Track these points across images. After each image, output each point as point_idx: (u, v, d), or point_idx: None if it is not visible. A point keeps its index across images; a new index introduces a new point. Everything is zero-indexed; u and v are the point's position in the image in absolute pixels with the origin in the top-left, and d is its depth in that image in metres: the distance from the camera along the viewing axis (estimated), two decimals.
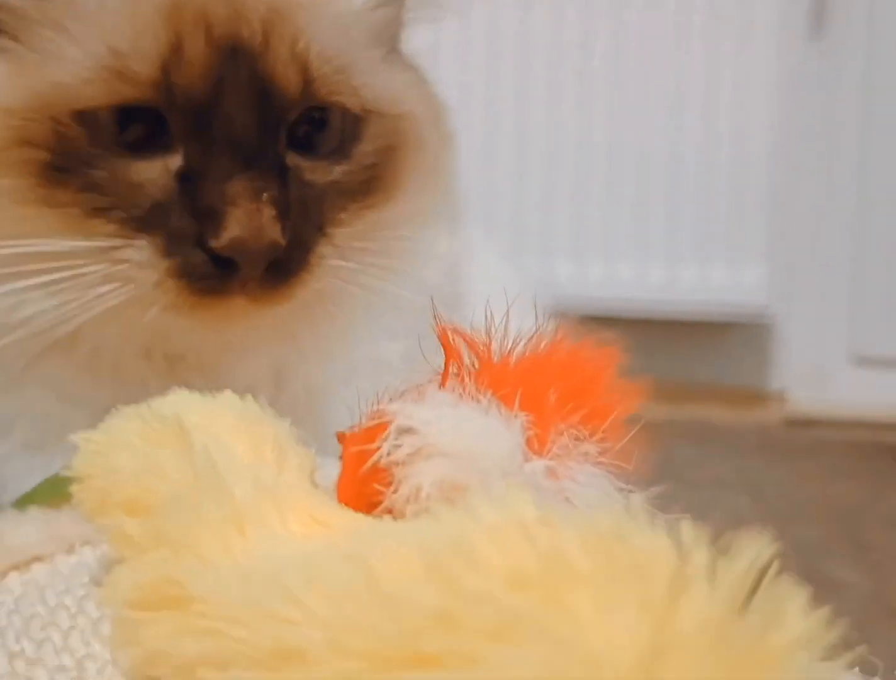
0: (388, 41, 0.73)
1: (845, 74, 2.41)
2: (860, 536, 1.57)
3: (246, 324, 0.66)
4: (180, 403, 0.45)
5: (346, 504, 0.43)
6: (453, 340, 0.48)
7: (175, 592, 0.35)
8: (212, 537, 0.36)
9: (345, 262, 0.67)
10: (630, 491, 0.46)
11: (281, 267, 0.63)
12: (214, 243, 0.61)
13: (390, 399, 0.43)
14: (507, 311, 0.49)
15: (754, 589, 0.26)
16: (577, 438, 0.46)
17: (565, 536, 0.29)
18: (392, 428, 0.41)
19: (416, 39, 0.76)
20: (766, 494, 1.75)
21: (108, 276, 0.62)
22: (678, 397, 2.31)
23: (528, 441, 0.43)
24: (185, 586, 0.35)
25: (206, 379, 0.67)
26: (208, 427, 0.43)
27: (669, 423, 2.16)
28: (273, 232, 0.61)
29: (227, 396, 0.48)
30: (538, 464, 0.42)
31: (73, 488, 0.45)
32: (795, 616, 0.26)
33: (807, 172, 2.41)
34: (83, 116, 0.62)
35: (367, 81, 0.69)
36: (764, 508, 1.68)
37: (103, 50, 0.62)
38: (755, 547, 0.27)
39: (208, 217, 0.62)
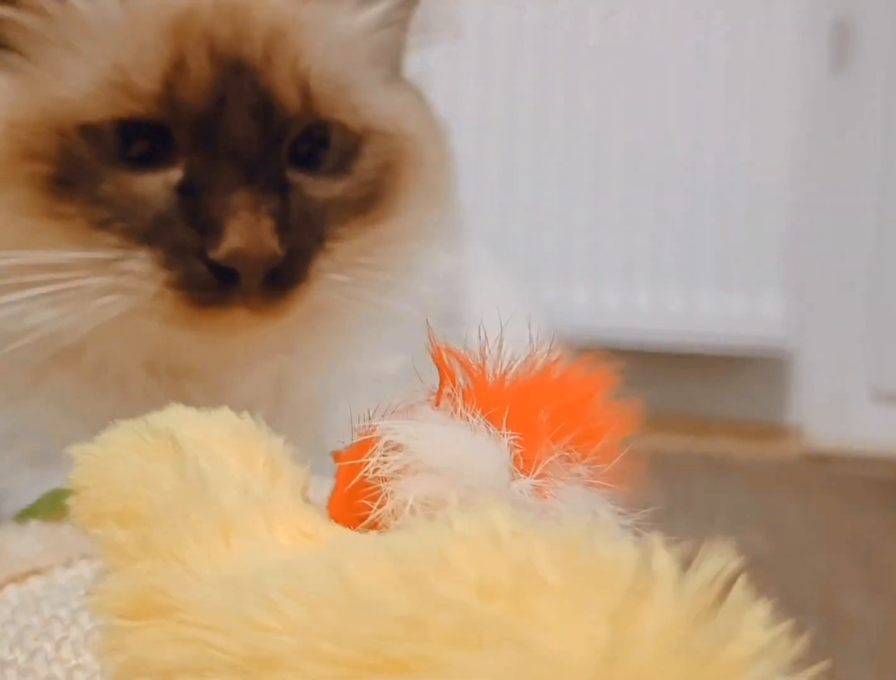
0: (390, 62, 0.74)
1: (866, 106, 2.41)
2: (876, 570, 1.56)
3: (246, 336, 0.67)
4: (176, 417, 0.46)
5: (337, 519, 0.43)
6: (447, 359, 0.49)
7: (161, 601, 0.36)
8: (198, 546, 0.37)
9: (345, 276, 0.69)
10: (620, 512, 0.46)
11: (280, 279, 0.65)
12: (214, 254, 0.62)
13: (381, 416, 0.44)
14: (501, 331, 0.50)
15: (717, 600, 0.27)
16: (568, 460, 0.46)
17: (535, 547, 0.29)
18: (380, 444, 0.41)
19: (421, 61, 0.77)
20: (783, 529, 1.74)
21: (110, 288, 0.63)
22: (695, 430, 2.30)
23: (517, 460, 0.44)
24: (170, 595, 0.35)
25: (208, 392, 0.68)
26: (202, 441, 0.44)
27: (686, 456, 2.16)
28: (272, 243, 0.63)
29: (224, 411, 0.48)
30: (524, 482, 0.42)
31: (70, 500, 0.46)
32: (756, 628, 0.26)
33: (826, 205, 2.41)
34: (88, 131, 0.64)
35: (367, 100, 0.70)
36: (780, 543, 1.66)
37: (108, 65, 0.64)
38: (720, 558, 0.28)
39: (209, 229, 0.63)
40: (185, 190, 0.64)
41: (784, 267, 2.35)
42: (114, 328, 0.64)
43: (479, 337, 0.49)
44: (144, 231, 0.64)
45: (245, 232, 0.62)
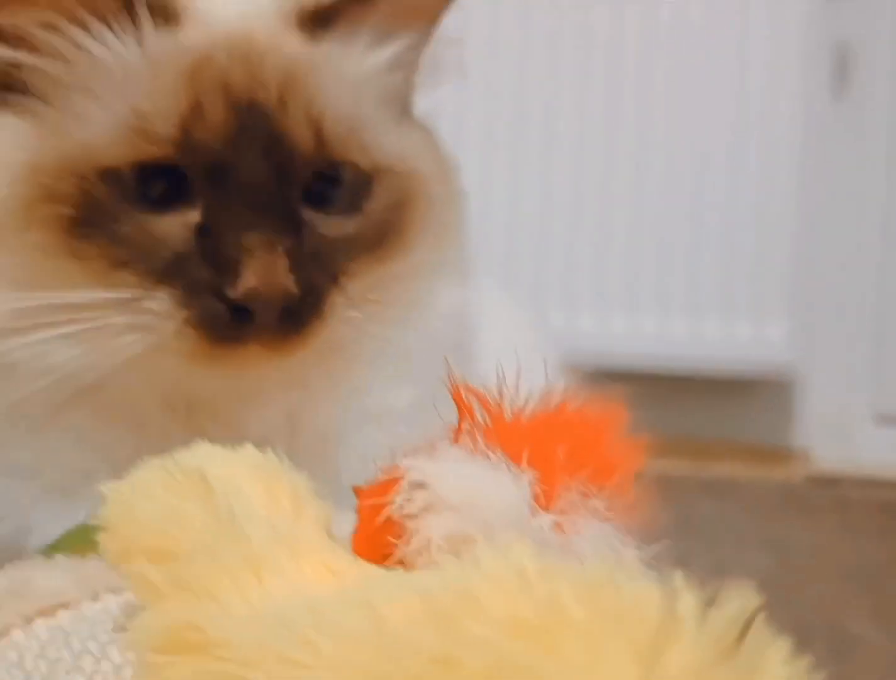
0: (400, 102, 0.76)
1: (869, 130, 2.43)
2: (881, 594, 1.56)
3: (261, 372, 0.69)
4: (203, 455, 0.47)
5: (361, 555, 0.45)
6: (466, 397, 0.50)
7: (195, 637, 0.37)
8: (230, 584, 0.38)
9: (357, 312, 0.70)
10: (637, 546, 0.47)
11: (295, 316, 0.66)
12: (231, 293, 0.64)
13: (404, 454, 0.45)
14: (519, 369, 0.51)
15: (740, 636, 0.28)
16: (584, 494, 0.47)
17: (561, 586, 0.30)
18: (404, 482, 0.43)
19: (429, 100, 0.79)
20: (788, 552, 1.74)
21: (130, 327, 0.65)
22: (700, 454, 2.31)
23: (536, 497, 0.45)
24: (204, 631, 0.37)
25: (224, 428, 0.70)
26: (229, 479, 0.45)
27: (691, 479, 2.16)
28: (287, 282, 0.64)
29: (247, 448, 0.49)
30: (545, 519, 0.44)
31: (100, 537, 0.47)
32: (778, 664, 0.27)
33: (830, 229, 2.42)
34: (107, 173, 0.66)
35: (378, 140, 0.72)
36: (785, 566, 1.67)
37: (126, 110, 0.66)
38: (741, 596, 0.29)
39: (225, 268, 0.64)
40: (202, 230, 0.66)
41: (788, 291, 2.36)
42: (132, 365, 0.66)
43: (497, 374, 0.51)
44: (163, 271, 0.65)
45: (261, 271, 0.64)
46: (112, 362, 0.65)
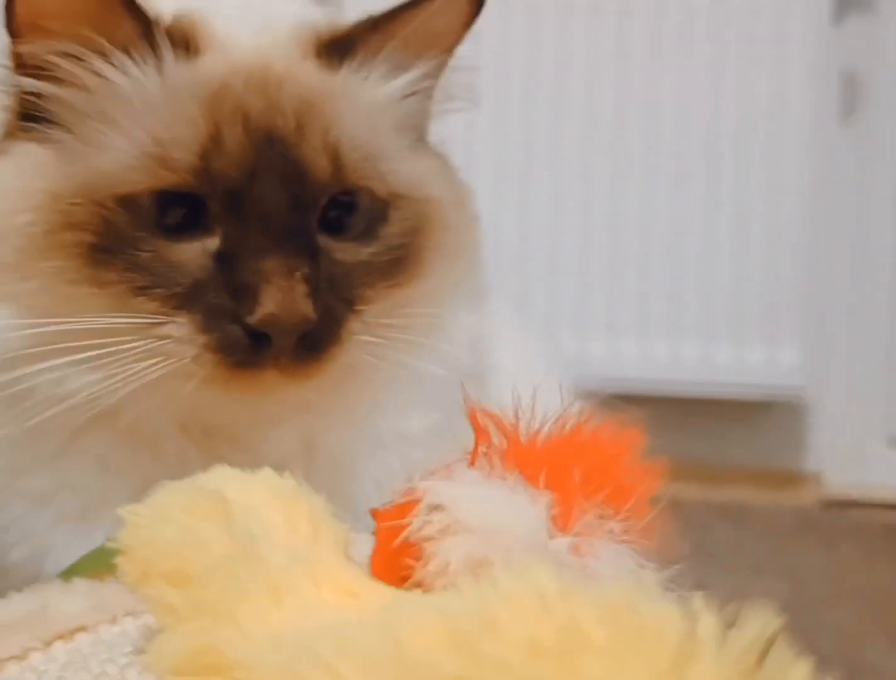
0: (415, 130, 0.76)
1: (877, 156, 2.43)
2: None
3: (277, 397, 0.69)
4: (221, 478, 0.48)
5: (379, 577, 0.45)
6: (482, 420, 0.51)
7: (215, 659, 0.37)
8: (250, 606, 0.38)
9: (373, 337, 0.70)
10: (653, 568, 0.47)
11: (312, 341, 0.67)
12: (249, 319, 0.64)
13: (421, 477, 0.45)
14: (534, 393, 0.52)
15: (761, 657, 0.28)
16: (601, 517, 0.47)
17: (581, 608, 0.30)
18: (422, 505, 0.43)
19: (442, 127, 0.80)
20: (803, 577, 1.73)
21: (150, 352, 0.65)
22: (713, 478, 2.30)
23: (553, 519, 0.45)
24: (223, 653, 0.37)
25: (241, 451, 0.70)
26: (247, 502, 0.46)
27: (704, 504, 2.15)
28: (305, 308, 0.65)
29: (265, 471, 0.50)
30: (562, 541, 0.44)
31: (118, 559, 0.47)
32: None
33: (840, 253, 2.42)
34: (126, 201, 0.66)
35: (393, 167, 0.73)
36: (800, 591, 1.66)
37: (146, 139, 0.66)
38: (761, 618, 0.29)
39: (244, 294, 0.65)
40: (221, 257, 0.67)
41: (800, 315, 2.36)
42: (150, 390, 0.66)
43: (512, 397, 0.51)
44: (182, 297, 0.66)
45: (279, 297, 0.64)
46: (131, 387, 0.65)
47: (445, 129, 0.81)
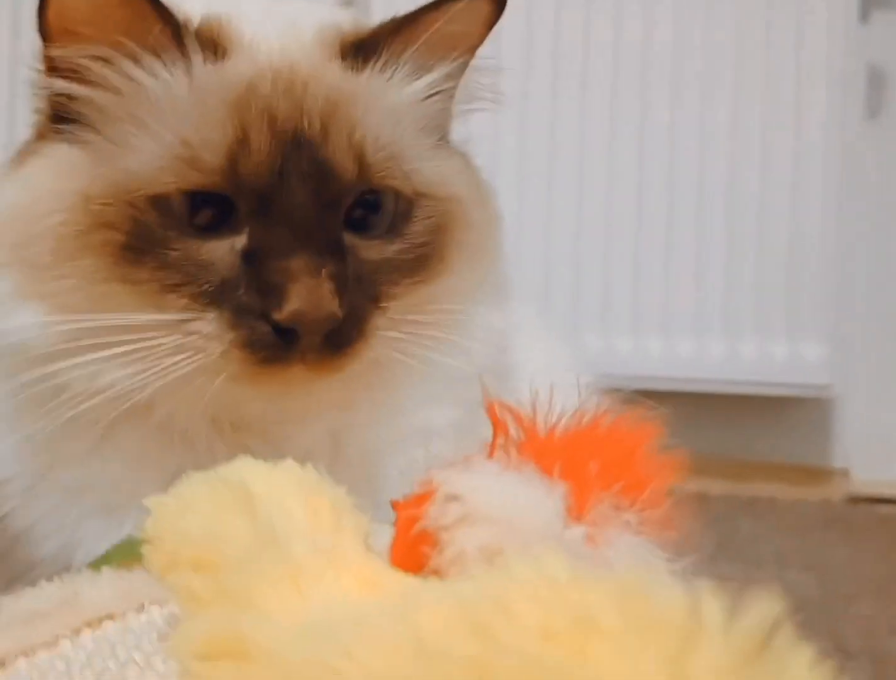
0: (438, 129, 0.78)
1: None
2: None
3: (304, 392, 0.71)
4: (246, 470, 0.49)
5: (398, 566, 0.46)
6: (500, 414, 0.51)
7: (237, 645, 0.38)
8: (272, 594, 0.39)
9: (398, 333, 0.72)
10: (668, 558, 0.48)
11: (338, 338, 0.68)
12: (277, 315, 0.66)
13: (439, 468, 0.46)
14: (552, 386, 0.52)
15: (765, 642, 0.28)
16: (617, 508, 0.48)
17: (593, 594, 0.31)
18: (439, 495, 0.44)
19: (465, 127, 0.81)
20: (829, 571, 1.72)
21: (179, 347, 0.67)
22: (740, 474, 2.29)
23: (569, 509, 0.46)
24: (245, 639, 0.38)
25: (268, 445, 0.71)
26: (271, 493, 0.46)
27: (731, 499, 2.15)
28: (331, 305, 0.66)
29: (289, 464, 0.51)
30: (577, 531, 0.44)
31: (145, 549, 0.49)
32: (803, 668, 0.28)
33: (866, 248, 2.41)
34: (157, 201, 0.68)
35: (417, 167, 0.74)
36: (826, 586, 1.65)
37: (175, 141, 0.68)
38: (766, 603, 0.29)
39: (271, 291, 0.66)
40: (248, 255, 0.68)
41: (826, 310, 2.35)
42: (179, 386, 0.68)
43: (531, 392, 0.52)
44: (211, 294, 0.67)
45: (306, 294, 0.66)
46: (161, 382, 0.67)
47: (468, 129, 0.82)
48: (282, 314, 0.66)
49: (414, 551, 0.44)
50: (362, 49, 0.73)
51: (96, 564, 0.62)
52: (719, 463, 2.31)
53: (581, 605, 0.31)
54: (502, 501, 0.43)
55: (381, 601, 0.37)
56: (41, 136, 0.73)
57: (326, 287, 0.66)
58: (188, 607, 0.44)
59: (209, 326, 0.67)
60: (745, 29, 2.36)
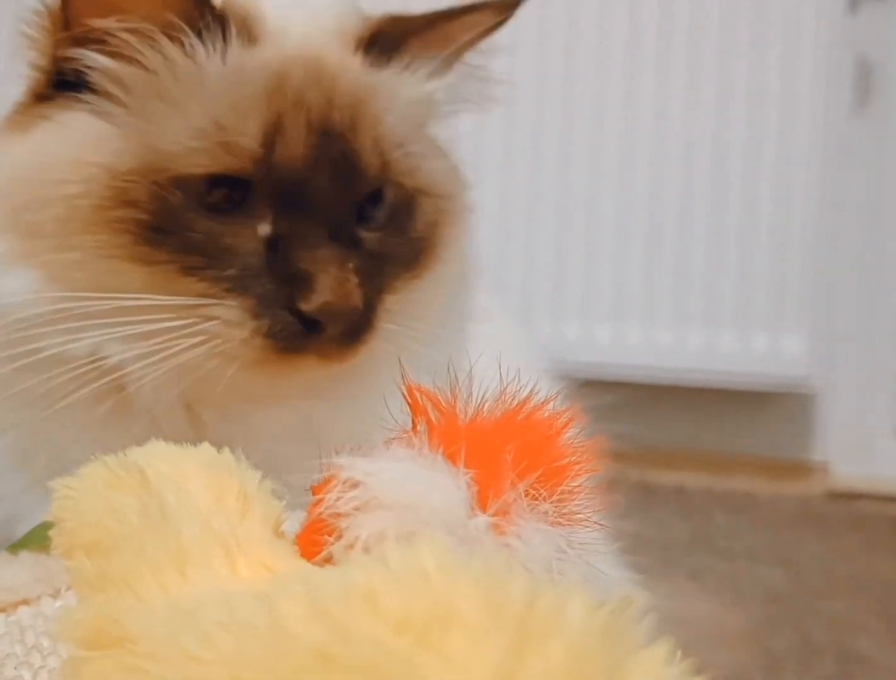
0: (434, 126, 0.79)
1: (890, 145, 2.40)
2: (894, 612, 1.53)
3: (308, 379, 0.71)
4: (151, 452, 0.48)
5: (302, 552, 0.44)
6: (420, 399, 0.50)
7: (114, 631, 0.37)
8: (152, 578, 0.38)
9: (394, 325, 0.73)
10: (582, 549, 0.46)
11: (355, 329, 0.69)
12: (304, 306, 0.66)
13: (345, 453, 0.45)
14: (470, 372, 0.51)
15: (617, 637, 0.27)
16: (533, 497, 0.47)
17: (457, 583, 0.30)
18: (338, 480, 0.43)
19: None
20: (801, 567, 1.72)
21: (195, 331, 0.67)
22: (717, 467, 2.29)
23: (480, 498, 0.45)
24: (121, 625, 0.37)
25: (239, 427, 0.71)
26: (173, 476, 0.45)
27: (708, 492, 2.14)
28: (356, 297, 0.68)
29: (203, 447, 0.50)
30: (482, 519, 0.43)
31: (51, 532, 0.48)
32: (656, 664, 0.27)
33: (849, 241, 2.40)
34: (182, 182, 0.67)
35: (420, 164, 0.75)
36: (798, 582, 1.65)
37: (208, 123, 0.67)
38: (629, 598, 0.29)
39: (298, 282, 0.67)
40: (271, 244, 0.68)
41: (807, 303, 2.33)
42: (186, 369, 0.67)
43: (451, 377, 0.51)
44: (233, 280, 0.67)
45: (335, 286, 0.67)
46: (173, 363, 0.67)
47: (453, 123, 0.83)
48: (310, 305, 0.66)
49: (314, 538, 0.43)
50: (386, 46, 0.73)
51: (14, 548, 0.61)
52: (697, 456, 2.30)
53: (443, 594, 0.30)
54: (403, 488, 0.42)
55: (251, 587, 0.36)
56: (45, 98, 0.71)
57: (352, 280, 0.67)
58: (81, 592, 0.43)
59: (230, 313, 0.67)
60: (732, 20, 2.34)
